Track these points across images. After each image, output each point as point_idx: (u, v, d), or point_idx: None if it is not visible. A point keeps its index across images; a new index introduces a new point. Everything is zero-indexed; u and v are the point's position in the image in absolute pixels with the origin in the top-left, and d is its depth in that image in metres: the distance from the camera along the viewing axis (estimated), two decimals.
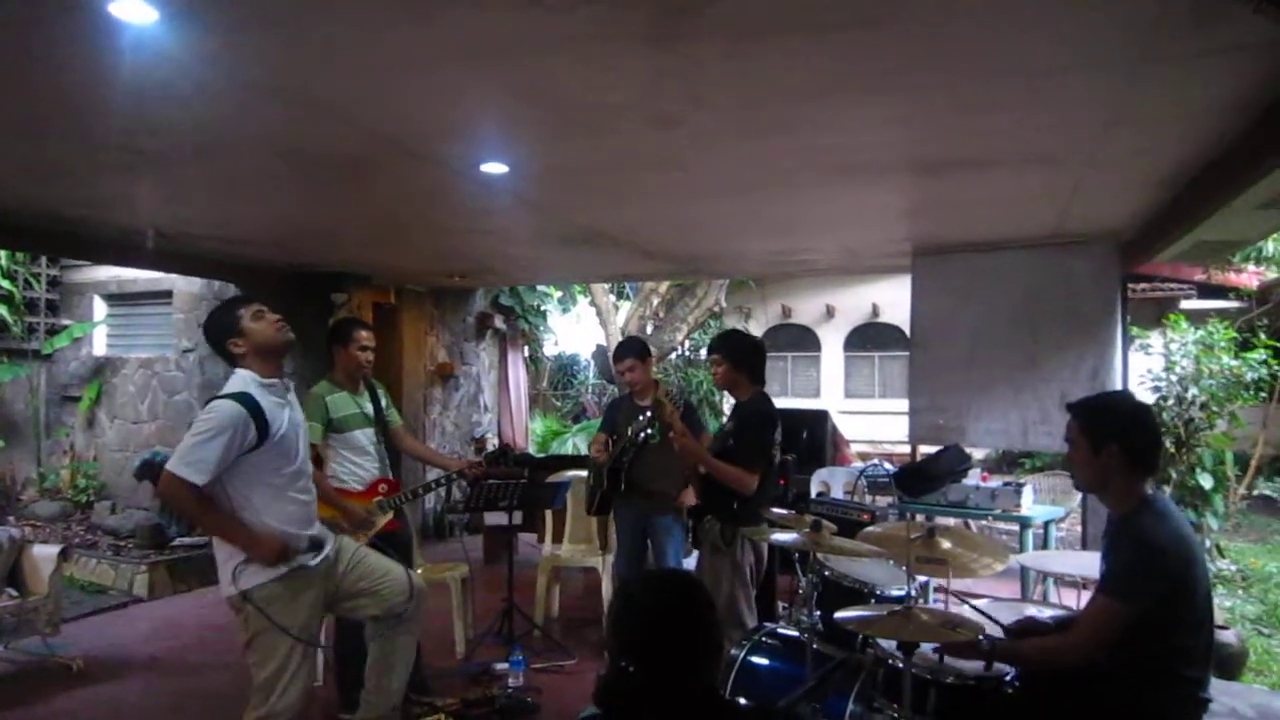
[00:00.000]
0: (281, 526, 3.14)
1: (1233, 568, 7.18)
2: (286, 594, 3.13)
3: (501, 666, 5.01)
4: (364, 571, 3.49)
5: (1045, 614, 3.45)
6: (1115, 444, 2.64)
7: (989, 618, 3.05)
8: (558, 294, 12.54)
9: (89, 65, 2.82)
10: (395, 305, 8.61)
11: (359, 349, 4.49)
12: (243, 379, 3.15)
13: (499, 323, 10.48)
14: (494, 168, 4.07)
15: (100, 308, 9.41)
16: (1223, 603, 6.25)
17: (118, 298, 9.34)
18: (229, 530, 3.08)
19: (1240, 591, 6.71)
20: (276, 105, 3.19)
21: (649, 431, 4.75)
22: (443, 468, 4.82)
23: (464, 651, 5.41)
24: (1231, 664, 4.88)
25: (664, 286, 13.38)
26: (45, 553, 5.35)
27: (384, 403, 4.65)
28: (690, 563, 5.08)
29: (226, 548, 3.12)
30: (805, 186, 4.44)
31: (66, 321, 9.29)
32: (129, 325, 9.37)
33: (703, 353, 14.89)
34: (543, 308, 11.72)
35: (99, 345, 9.40)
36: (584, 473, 6.64)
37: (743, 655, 3.57)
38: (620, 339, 13.26)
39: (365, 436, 4.48)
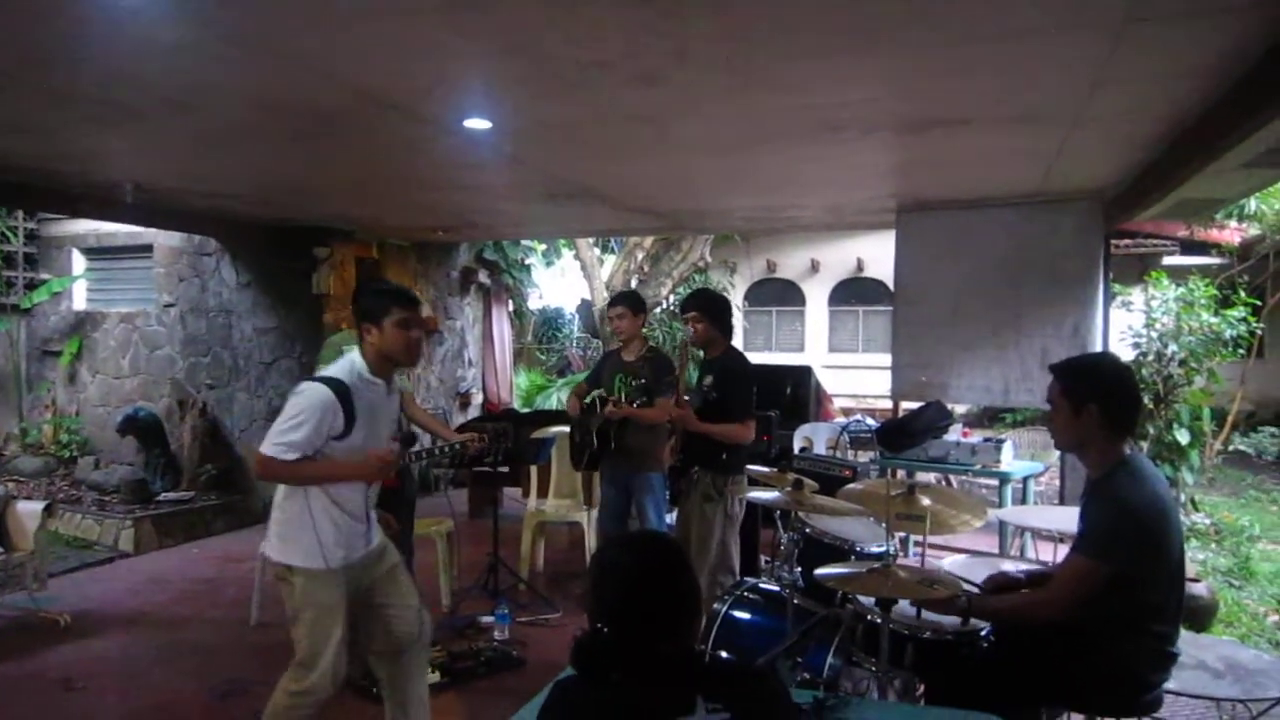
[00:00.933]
0: (340, 513, 3.14)
1: (1206, 521, 7.30)
2: (326, 580, 3.11)
3: (487, 620, 5.07)
4: (392, 588, 3.40)
5: (1020, 568, 3.52)
6: (1095, 405, 2.68)
7: (963, 580, 3.10)
8: (542, 248, 12.47)
9: (63, 17, 2.76)
10: (378, 260, 8.55)
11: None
12: (349, 364, 3.15)
13: (483, 277, 10.43)
14: (477, 123, 4.03)
15: (79, 262, 9.30)
16: (1195, 556, 6.36)
17: (97, 252, 9.24)
18: (331, 471, 3.10)
19: (1213, 545, 6.83)
20: (255, 58, 3.14)
21: (642, 400, 4.77)
22: (444, 440, 4.82)
23: (449, 605, 5.46)
24: (1202, 616, 4.99)
25: (649, 241, 13.31)
26: (30, 509, 5.34)
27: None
28: (671, 521, 5.13)
29: (288, 512, 3.12)
30: (790, 144, 4.42)
31: (45, 276, 9.18)
32: (109, 279, 9.28)
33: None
34: (527, 262, 11.66)
35: (79, 300, 9.31)
36: (568, 428, 6.68)
37: (725, 610, 3.63)
38: (605, 293, 13.26)
39: None
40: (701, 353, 4.68)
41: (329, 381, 3.04)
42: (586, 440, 5.12)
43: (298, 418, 3.00)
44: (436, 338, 9.65)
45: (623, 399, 4.90)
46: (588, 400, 5.11)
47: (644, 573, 1.73)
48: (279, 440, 2.99)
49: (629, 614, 1.70)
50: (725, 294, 15.25)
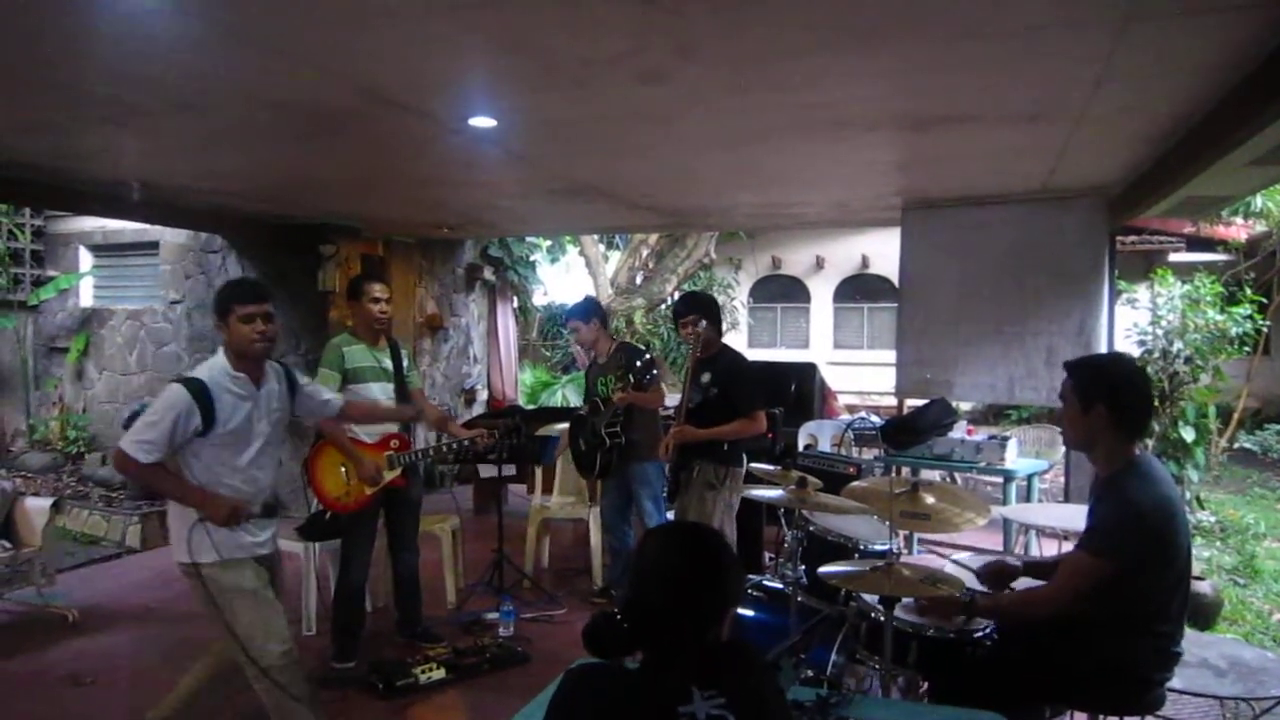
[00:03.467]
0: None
1: (1211, 519, 7.30)
2: (232, 573, 3.21)
3: (492, 616, 5.09)
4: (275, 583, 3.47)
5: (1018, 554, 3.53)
6: (1104, 405, 2.68)
7: (966, 567, 3.11)
8: (547, 244, 12.46)
9: (71, 16, 2.77)
10: (383, 257, 8.56)
11: (370, 301, 4.60)
12: (212, 365, 3.23)
13: (488, 274, 10.43)
14: (482, 121, 4.03)
15: (86, 259, 9.34)
16: (1200, 553, 6.36)
17: (104, 249, 9.27)
18: (182, 492, 3.17)
19: (1218, 543, 6.83)
20: (262, 56, 3.15)
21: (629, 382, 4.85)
22: (455, 436, 4.84)
23: (455, 601, 5.49)
24: (1206, 614, 4.99)
25: (654, 238, 13.32)
26: (38, 505, 5.37)
27: (405, 364, 4.73)
28: (651, 512, 5.18)
29: (180, 514, 3.21)
30: (794, 141, 4.42)
31: (52, 273, 9.22)
32: (116, 276, 9.31)
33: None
34: (532, 258, 11.65)
35: (85, 297, 9.34)
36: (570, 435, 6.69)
37: None
38: (610, 289, 13.28)
39: (381, 390, 4.56)
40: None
41: (187, 381, 3.12)
42: (596, 443, 5.11)
43: (153, 416, 3.09)
44: (441, 334, 9.66)
45: (605, 398, 5.00)
46: (582, 410, 5.21)
47: (681, 576, 1.72)
48: (136, 438, 3.07)
49: (659, 608, 1.70)
50: (729, 290, 15.34)
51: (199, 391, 3.09)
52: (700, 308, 4.60)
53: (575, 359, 15.20)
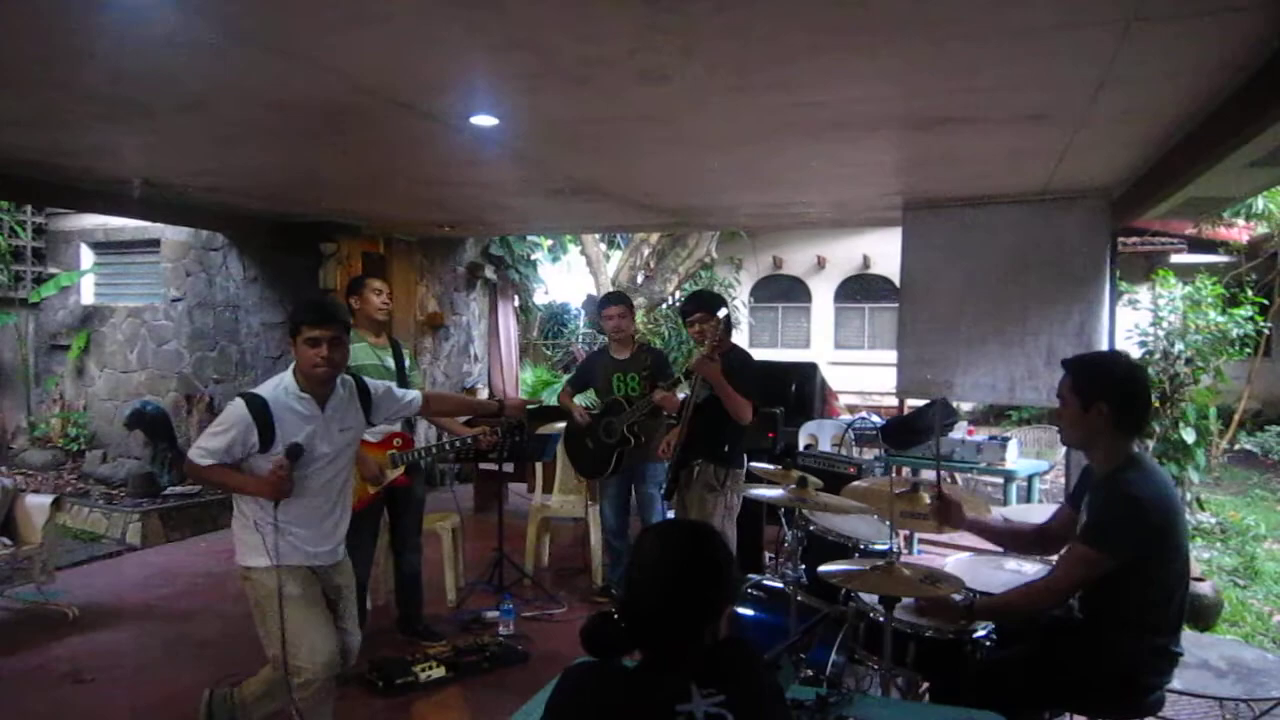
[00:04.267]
0: (288, 526, 3.19)
1: (1212, 520, 7.29)
2: (276, 578, 3.15)
3: (492, 615, 5.09)
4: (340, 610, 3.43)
5: (1024, 566, 3.53)
6: (1104, 402, 2.68)
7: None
8: (548, 243, 12.46)
9: (73, 14, 2.77)
10: (384, 255, 8.56)
11: (373, 292, 4.66)
12: (278, 382, 3.23)
13: (489, 272, 10.44)
14: (484, 120, 4.03)
15: (87, 256, 9.34)
16: (1200, 554, 6.36)
17: (105, 246, 9.27)
18: (238, 482, 3.16)
19: (1218, 544, 6.83)
20: (263, 55, 3.15)
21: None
22: (456, 434, 4.85)
23: (455, 600, 5.49)
24: (1206, 615, 4.99)
25: (655, 237, 13.31)
26: (38, 502, 5.37)
27: (408, 363, 4.75)
28: (657, 510, 5.20)
29: (239, 518, 3.25)
30: (796, 141, 4.41)
31: (53, 270, 9.22)
32: (117, 274, 9.32)
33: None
34: (533, 257, 11.66)
35: (87, 294, 9.35)
36: (573, 433, 6.69)
37: None
38: (611, 289, 13.27)
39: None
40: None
41: (250, 399, 3.13)
42: (615, 442, 5.10)
43: (219, 427, 3.13)
44: (442, 333, 9.67)
45: (626, 397, 4.99)
46: (605, 401, 5.16)
47: (678, 568, 1.73)
48: (200, 445, 3.15)
49: (658, 608, 1.70)
50: (729, 290, 15.34)
51: (259, 409, 3.09)
52: (714, 306, 4.56)
53: (576, 358, 15.21)
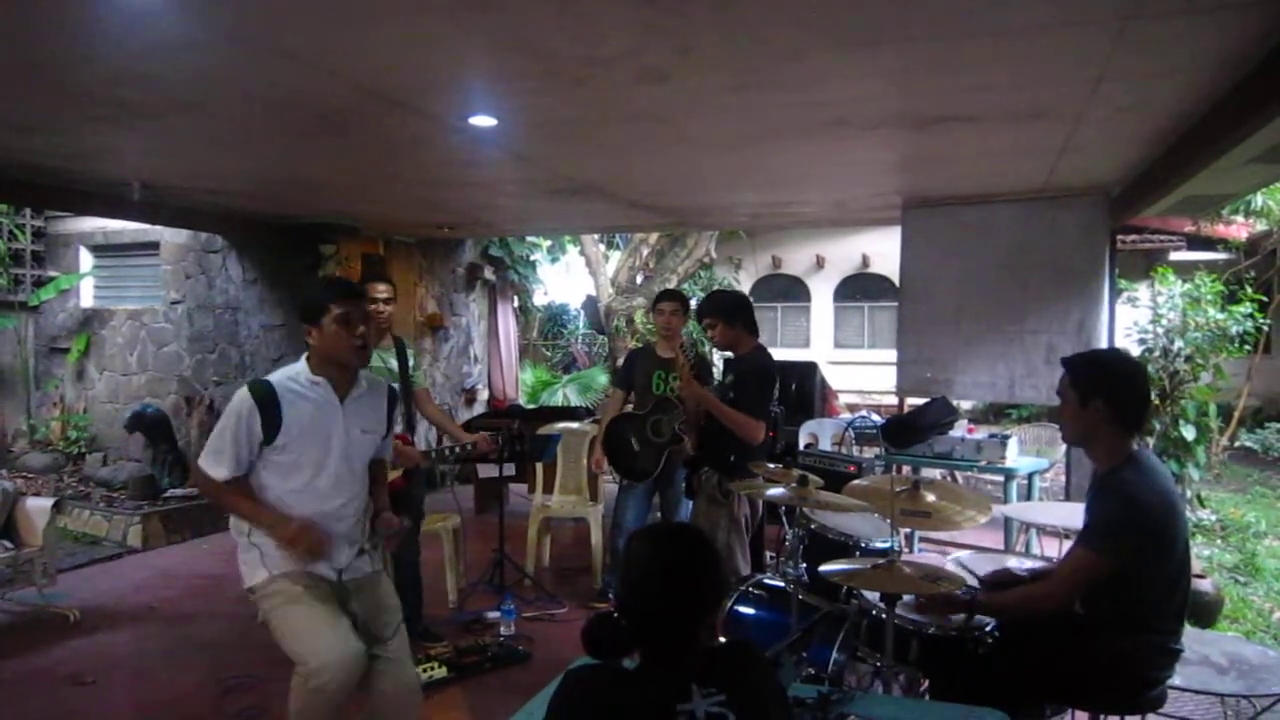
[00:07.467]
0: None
1: (1212, 517, 7.30)
2: (279, 584, 2.92)
3: (493, 615, 5.09)
4: (381, 618, 3.09)
5: (1024, 565, 3.53)
6: (1101, 399, 2.68)
7: (968, 571, 3.11)
8: (547, 244, 12.46)
9: (71, 16, 2.77)
10: (384, 256, 8.57)
11: (369, 302, 4.52)
12: (289, 368, 2.98)
13: (488, 273, 10.45)
14: (482, 121, 4.04)
15: (86, 259, 9.33)
16: (1201, 552, 6.37)
17: (104, 249, 9.27)
18: (253, 511, 2.91)
19: (1219, 541, 6.83)
20: (262, 56, 3.15)
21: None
22: (456, 439, 4.85)
23: (456, 600, 5.49)
24: (1207, 612, 4.99)
25: (654, 237, 13.31)
26: (39, 505, 5.37)
27: (410, 363, 4.71)
28: (684, 512, 5.16)
29: (236, 537, 3.00)
30: (794, 140, 4.42)
31: (53, 273, 9.22)
32: (116, 277, 9.31)
33: (693, 303, 14.86)
34: (532, 258, 11.66)
35: (86, 297, 9.34)
36: (574, 424, 6.68)
37: (730, 605, 3.65)
38: (610, 289, 13.27)
39: None
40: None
41: (253, 384, 2.88)
42: (664, 441, 5.03)
43: (221, 424, 2.86)
44: (442, 334, 9.67)
45: (676, 395, 4.91)
46: (652, 399, 5.08)
47: (673, 568, 1.73)
48: (207, 448, 2.87)
49: (654, 608, 1.71)
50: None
51: (263, 394, 2.83)
52: (714, 310, 4.47)
53: (575, 359, 15.21)
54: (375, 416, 3.11)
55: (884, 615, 2.81)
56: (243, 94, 3.68)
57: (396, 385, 4.60)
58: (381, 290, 4.57)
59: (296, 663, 2.85)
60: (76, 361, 9.13)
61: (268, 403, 2.83)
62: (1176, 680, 2.85)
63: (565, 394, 12.62)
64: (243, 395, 2.86)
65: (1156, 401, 6.49)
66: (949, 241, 6.19)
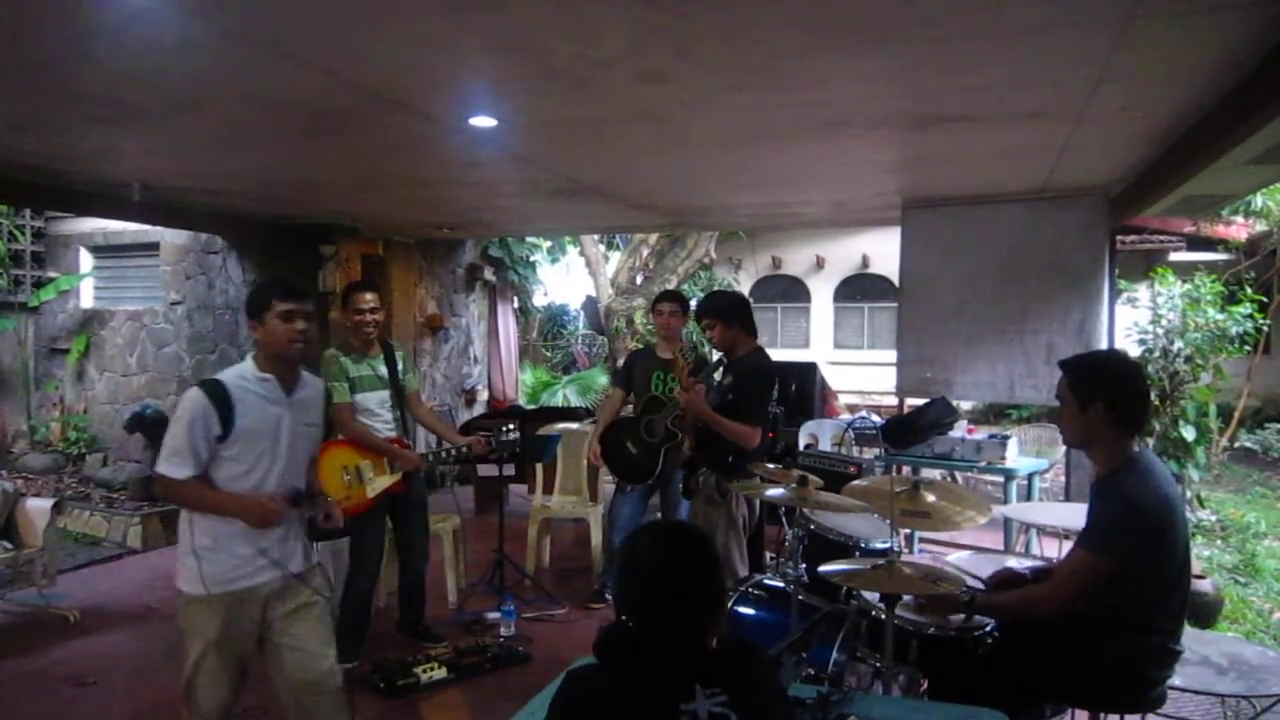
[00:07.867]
0: (216, 540, 2.94)
1: (1212, 518, 7.30)
2: (210, 609, 2.94)
3: (493, 616, 5.09)
4: (296, 628, 3.09)
5: (1024, 564, 3.53)
6: (1101, 402, 2.68)
7: (968, 574, 3.11)
8: (547, 245, 12.46)
9: (70, 16, 2.77)
10: (383, 257, 8.57)
11: (355, 312, 4.55)
12: (238, 367, 3.05)
13: (488, 274, 10.45)
14: (482, 121, 4.03)
15: (86, 260, 9.34)
16: (1201, 552, 6.36)
17: (104, 250, 9.27)
18: (216, 502, 2.94)
19: (1219, 541, 6.83)
20: (261, 57, 3.15)
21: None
22: (449, 442, 4.85)
23: (456, 601, 5.49)
24: (1207, 613, 4.99)
25: (654, 237, 13.31)
26: (39, 506, 5.38)
27: (400, 366, 4.71)
28: (683, 512, 5.15)
29: (181, 540, 3.00)
30: (794, 140, 4.42)
31: (53, 274, 9.22)
32: (116, 277, 9.32)
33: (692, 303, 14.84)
34: (532, 258, 11.67)
35: (86, 298, 9.35)
36: (574, 425, 6.69)
37: (730, 606, 3.64)
38: (610, 289, 13.27)
39: (377, 400, 4.57)
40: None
41: (204, 383, 2.95)
42: (660, 441, 5.03)
43: (175, 425, 2.89)
44: (442, 334, 9.67)
45: (666, 395, 4.91)
46: (642, 401, 5.10)
47: (673, 566, 1.73)
48: (165, 453, 2.90)
49: (655, 606, 1.71)
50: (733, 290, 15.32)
51: (215, 392, 2.89)
52: (711, 311, 4.43)
53: (575, 359, 15.22)
54: (315, 410, 3.24)
55: (884, 616, 2.81)
56: (243, 94, 3.67)
57: (389, 392, 4.60)
58: (368, 299, 4.56)
59: (182, 678, 2.96)
60: (76, 362, 9.13)
61: (221, 401, 2.90)
62: (1176, 680, 2.85)
63: (565, 395, 12.62)
64: (195, 395, 2.91)
65: (1156, 402, 6.49)
66: (949, 242, 6.19)
